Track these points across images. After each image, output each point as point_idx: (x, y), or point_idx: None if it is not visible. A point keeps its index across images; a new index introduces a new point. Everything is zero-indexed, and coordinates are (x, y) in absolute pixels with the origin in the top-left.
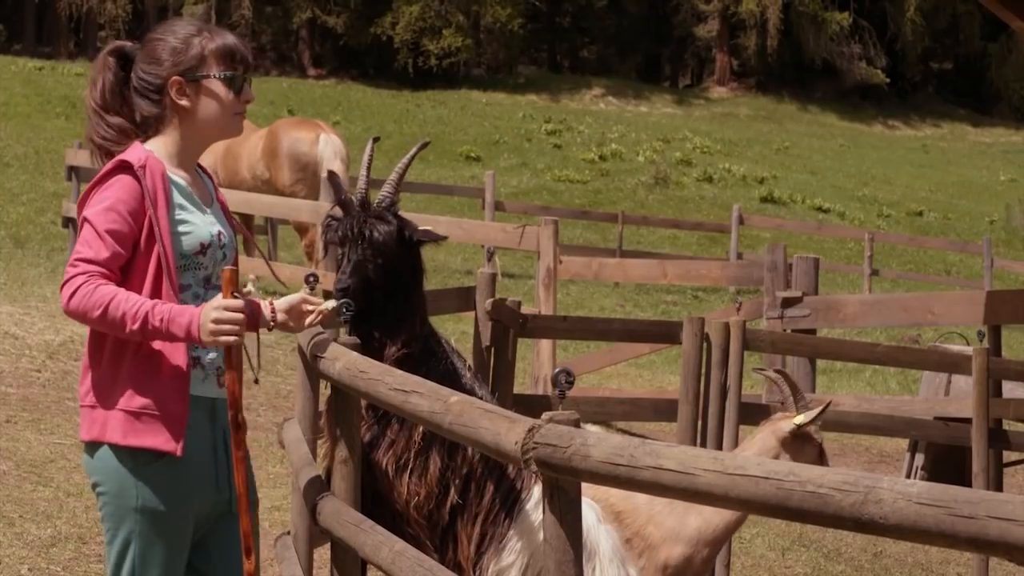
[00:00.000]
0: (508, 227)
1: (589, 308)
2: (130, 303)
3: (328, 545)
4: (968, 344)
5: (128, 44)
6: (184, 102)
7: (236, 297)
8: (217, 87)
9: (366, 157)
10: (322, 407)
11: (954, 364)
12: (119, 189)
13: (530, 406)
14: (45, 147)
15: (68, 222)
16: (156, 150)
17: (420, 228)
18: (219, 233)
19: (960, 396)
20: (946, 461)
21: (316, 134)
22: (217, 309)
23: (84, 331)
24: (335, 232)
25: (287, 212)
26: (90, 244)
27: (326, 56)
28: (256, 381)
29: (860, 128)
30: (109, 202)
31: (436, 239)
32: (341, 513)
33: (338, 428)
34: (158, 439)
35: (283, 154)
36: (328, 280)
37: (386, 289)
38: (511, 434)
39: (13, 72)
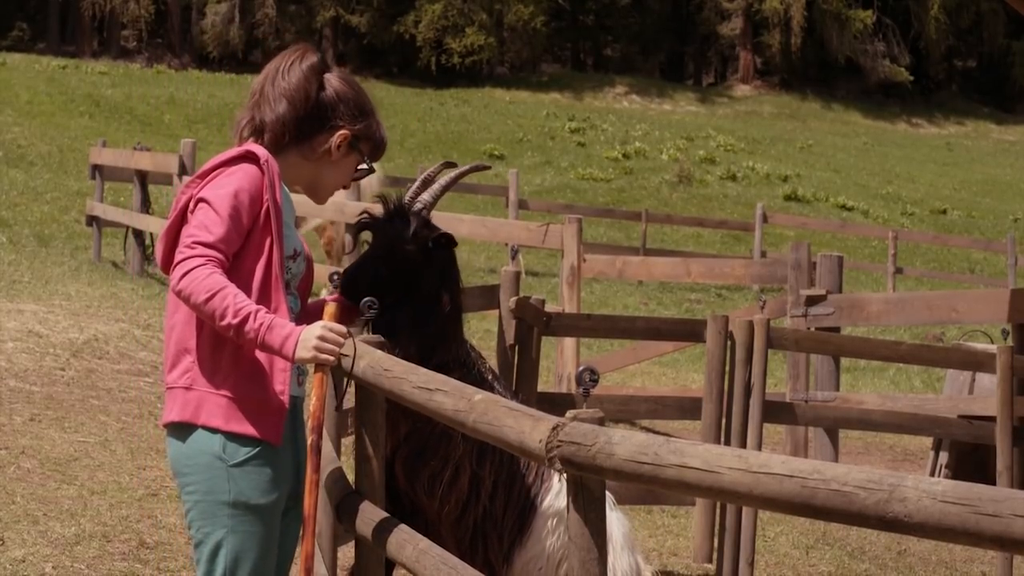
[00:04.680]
0: (532, 225)
1: (613, 306)
2: (238, 299)
3: (352, 543)
4: (992, 342)
5: (328, 63)
6: (334, 151)
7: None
8: (353, 164)
9: (431, 171)
10: (348, 406)
11: (978, 362)
12: (243, 176)
13: (554, 404)
14: (69, 145)
15: (92, 220)
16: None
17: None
18: (301, 243)
19: (984, 394)
20: (970, 459)
21: None
22: (324, 328)
23: (108, 329)
24: (360, 226)
25: (310, 211)
26: (209, 228)
27: (349, 55)
28: (337, 409)
29: (884, 126)
30: (233, 187)
31: (450, 241)
32: (365, 511)
33: (362, 426)
34: (260, 427)
35: None
36: None
37: (397, 293)
38: (535, 432)
39: (37, 71)
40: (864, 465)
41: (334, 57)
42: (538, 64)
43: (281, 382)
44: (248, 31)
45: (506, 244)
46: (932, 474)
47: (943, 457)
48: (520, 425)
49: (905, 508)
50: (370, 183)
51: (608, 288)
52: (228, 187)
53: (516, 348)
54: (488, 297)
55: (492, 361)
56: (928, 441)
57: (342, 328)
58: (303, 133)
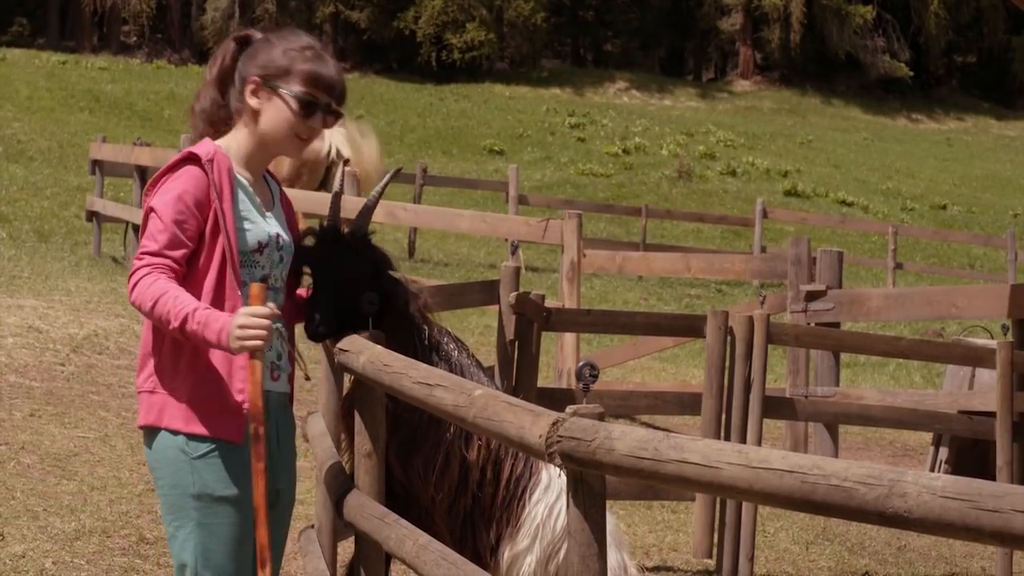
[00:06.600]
0: (532, 221)
1: (613, 302)
2: (177, 302)
3: (352, 539)
4: (992, 338)
5: (256, 34)
6: (253, 102)
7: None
8: (289, 103)
9: (337, 188)
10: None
11: (978, 358)
12: (186, 180)
13: (554, 400)
14: (69, 141)
15: (92, 216)
16: (225, 146)
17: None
18: (277, 235)
19: (984, 390)
20: (970, 455)
21: None
22: (244, 315)
23: (108, 325)
24: (304, 262)
25: (309, 206)
26: (155, 237)
27: (349, 50)
28: (307, 378)
29: (884, 121)
30: (176, 192)
31: (407, 291)
32: (365, 507)
33: (363, 422)
34: (219, 427)
35: None
36: None
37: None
38: (535, 428)
39: (37, 66)
40: (864, 461)
41: (334, 52)
42: (538, 59)
43: (241, 380)
44: (248, 26)
45: (506, 239)
46: (932, 470)
47: (943, 453)
48: (520, 420)
49: (905, 503)
50: (339, 142)
51: (608, 283)
52: (172, 192)
53: (516, 343)
54: (488, 293)
55: (492, 357)
56: (928, 437)
57: (262, 310)
58: (232, 106)
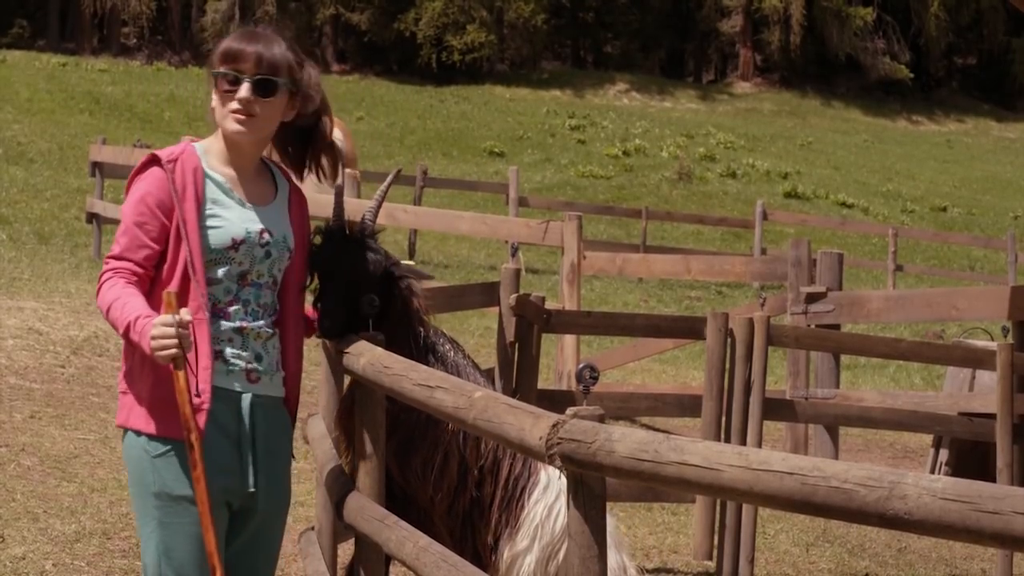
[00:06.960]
0: (532, 223)
1: (613, 304)
2: (124, 311)
3: (352, 540)
4: (992, 339)
5: None
6: (213, 101)
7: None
8: (218, 85)
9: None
10: None
11: (978, 360)
12: (149, 182)
13: (554, 402)
14: (69, 143)
15: (92, 218)
16: (204, 146)
17: (403, 263)
18: (260, 231)
19: (984, 392)
20: (970, 457)
21: None
22: (155, 326)
23: (107, 327)
24: (318, 261)
25: (313, 209)
26: (118, 240)
27: (350, 52)
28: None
29: (884, 123)
30: (139, 195)
31: (421, 276)
32: (365, 508)
33: (362, 424)
34: (177, 427)
35: None
36: None
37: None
38: (536, 429)
39: (37, 68)
40: (864, 462)
41: (334, 54)
42: (538, 61)
43: (204, 380)
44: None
45: (506, 241)
46: (932, 471)
47: (943, 454)
48: (520, 422)
49: (905, 505)
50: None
51: (608, 285)
52: (134, 195)
53: (516, 345)
54: (488, 294)
55: (492, 359)
56: (928, 438)
57: (167, 318)
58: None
